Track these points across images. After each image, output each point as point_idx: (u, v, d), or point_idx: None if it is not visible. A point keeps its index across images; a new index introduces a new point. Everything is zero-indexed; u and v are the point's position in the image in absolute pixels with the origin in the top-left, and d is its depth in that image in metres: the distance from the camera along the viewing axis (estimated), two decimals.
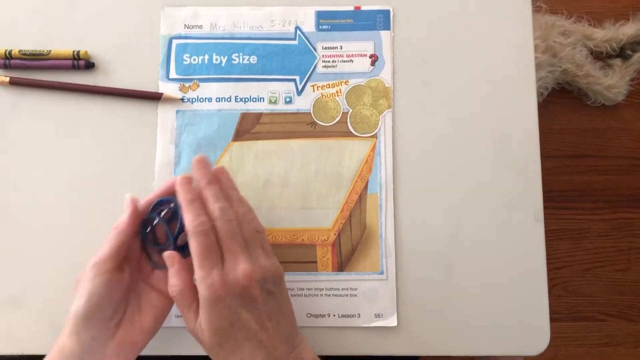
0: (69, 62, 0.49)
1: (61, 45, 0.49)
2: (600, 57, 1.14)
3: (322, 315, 0.46)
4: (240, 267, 0.37)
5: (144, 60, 0.49)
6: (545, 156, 0.50)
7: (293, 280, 0.47)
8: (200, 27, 0.50)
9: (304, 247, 0.47)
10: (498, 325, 0.47)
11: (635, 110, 1.15)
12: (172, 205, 0.41)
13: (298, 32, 0.50)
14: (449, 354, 0.47)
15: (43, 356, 0.39)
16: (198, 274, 0.36)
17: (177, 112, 0.49)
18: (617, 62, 1.13)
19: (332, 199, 0.48)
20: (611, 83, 1.10)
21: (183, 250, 0.40)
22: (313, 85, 0.49)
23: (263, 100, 0.49)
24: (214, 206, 0.38)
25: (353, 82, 0.49)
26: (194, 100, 0.49)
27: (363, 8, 0.50)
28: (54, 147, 0.48)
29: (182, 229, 0.40)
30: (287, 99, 0.49)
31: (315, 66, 0.49)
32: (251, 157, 0.48)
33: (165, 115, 0.49)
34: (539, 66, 1.01)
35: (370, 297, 0.47)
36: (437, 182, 0.48)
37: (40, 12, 0.50)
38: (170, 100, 0.49)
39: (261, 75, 0.49)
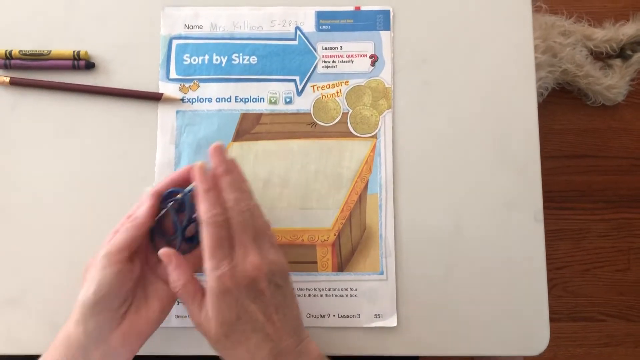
0: (69, 62, 0.49)
1: (61, 46, 0.49)
2: (600, 57, 1.14)
3: (322, 316, 0.47)
4: (249, 260, 0.37)
5: (144, 61, 0.49)
6: (545, 156, 0.50)
7: (293, 280, 0.46)
8: (201, 27, 0.50)
9: (304, 247, 0.47)
10: (498, 325, 0.47)
11: (635, 110, 1.15)
12: (180, 196, 0.41)
13: (298, 32, 0.50)
14: (449, 354, 0.47)
15: None
16: (208, 264, 0.36)
17: (177, 112, 0.49)
18: (617, 62, 1.13)
19: (332, 199, 0.48)
20: (611, 83, 1.10)
21: (191, 241, 0.40)
22: (313, 86, 0.49)
23: (263, 101, 0.49)
24: (230, 196, 0.38)
25: (353, 82, 0.49)
26: (194, 100, 0.49)
27: (363, 8, 0.50)
28: (54, 147, 0.48)
29: (190, 220, 0.40)
30: (287, 100, 0.49)
31: (315, 66, 0.49)
32: (251, 158, 0.48)
33: (165, 116, 0.49)
34: (539, 66, 1.01)
35: (370, 297, 0.47)
36: (437, 182, 0.48)
37: (40, 12, 0.50)
38: (171, 100, 0.49)
39: (261, 76, 0.49)
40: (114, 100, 0.49)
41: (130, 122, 0.49)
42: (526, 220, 0.48)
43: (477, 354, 0.47)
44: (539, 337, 0.47)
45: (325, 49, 0.50)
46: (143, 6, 0.50)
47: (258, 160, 0.48)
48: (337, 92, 0.49)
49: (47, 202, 0.47)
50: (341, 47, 0.50)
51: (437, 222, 0.48)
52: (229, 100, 0.49)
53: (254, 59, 0.49)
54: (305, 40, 0.50)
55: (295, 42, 0.50)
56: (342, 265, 0.47)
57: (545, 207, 0.48)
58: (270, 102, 0.49)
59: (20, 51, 0.49)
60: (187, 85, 0.49)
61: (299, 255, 0.47)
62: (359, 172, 0.48)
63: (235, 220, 0.37)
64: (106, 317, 0.38)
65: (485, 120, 0.49)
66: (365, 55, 0.50)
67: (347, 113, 0.49)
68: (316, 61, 0.50)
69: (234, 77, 0.49)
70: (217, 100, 0.49)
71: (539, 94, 1.08)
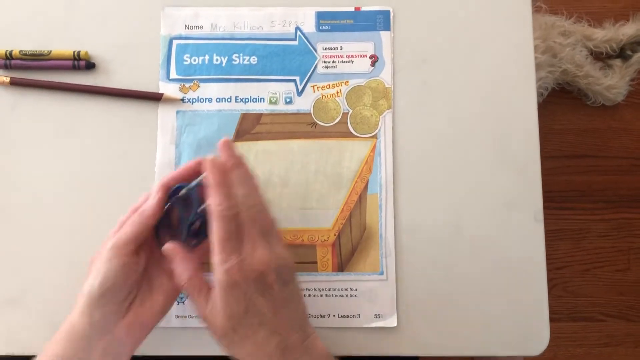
0: (70, 63, 0.49)
1: (61, 46, 0.49)
2: (600, 57, 1.14)
3: (322, 316, 0.47)
4: (258, 254, 0.37)
5: (145, 61, 0.49)
6: (545, 156, 0.50)
7: None
8: (201, 27, 0.50)
9: (304, 247, 0.47)
10: (498, 326, 0.47)
11: (635, 110, 1.15)
12: (185, 191, 0.40)
13: (298, 32, 0.50)
14: (449, 354, 0.47)
15: None
16: (217, 257, 0.36)
17: (178, 112, 0.49)
18: (617, 62, 1.13)
19: (332, 199, 0.48)
20: (611, 83, 1.10)
21: (197, 236, 0.40)
22: (313, 86, 0.49)
23: (263, 101, 0.49)
24: (240, 191, 0.38)
25: (353, 82, 0.49)
26: (194, 100, 0.49)
27: (363, 9, 0.50)
28: (54, 147, 0.48)
29: (196, 215, 0.40)
30: (288, 100, 0.49)
31: (315, 67, 0.49)
32: (251, 158, 0.48)
33: (165, 116, 0.49)
34: (539, 66, 1.01)
35: (370, 298, 0.47)
36: (437, 182, 0.48)
37: (40, 12, 0.50)
38: (171, 100, 0.49)
39: (261, 76, 0.49)
40: (114, 101, 0.49)
41: (130, 122, 0.49)
42: (526, 220, 0.48)
43: (477, 354, 0.47)
44: (539, 337, 0.47)
45: (326, 49, 0.50)
46: (143, 6, 0.50)
47: (258, 160, 0.48)
48: (337, 92, 0.49)
49: (47, 202, 0.47)
50: (341, 48, 0.50)
51: (437, 222, 0.48)
52: (229, 100, 0.49)
53: (254, 59, 0.49)
54: (306, 41, 0.50)
55: (296, 43, 0.50)
56: (342, 265, 0.47)
57: (545, 207, 0.48)
58: (271, 102, 0.49)
59: (20, 51, 0.49)
60: (187, 85, 0.49)
61: (299, 255, 0.47)
62: (359, 172, 0.48)
63: (245, 214, 0.37)
64: (111, 309, 0.38)
65: (485, 120, 0.49)
66: (365, 56, 0.50)
67: (347, 113, 0.49)
68: (316, 61, 0.50)
69: (234, 77, 0.49)
70: (218, 100, 0.49)
71: (539, 94, 1.08)
